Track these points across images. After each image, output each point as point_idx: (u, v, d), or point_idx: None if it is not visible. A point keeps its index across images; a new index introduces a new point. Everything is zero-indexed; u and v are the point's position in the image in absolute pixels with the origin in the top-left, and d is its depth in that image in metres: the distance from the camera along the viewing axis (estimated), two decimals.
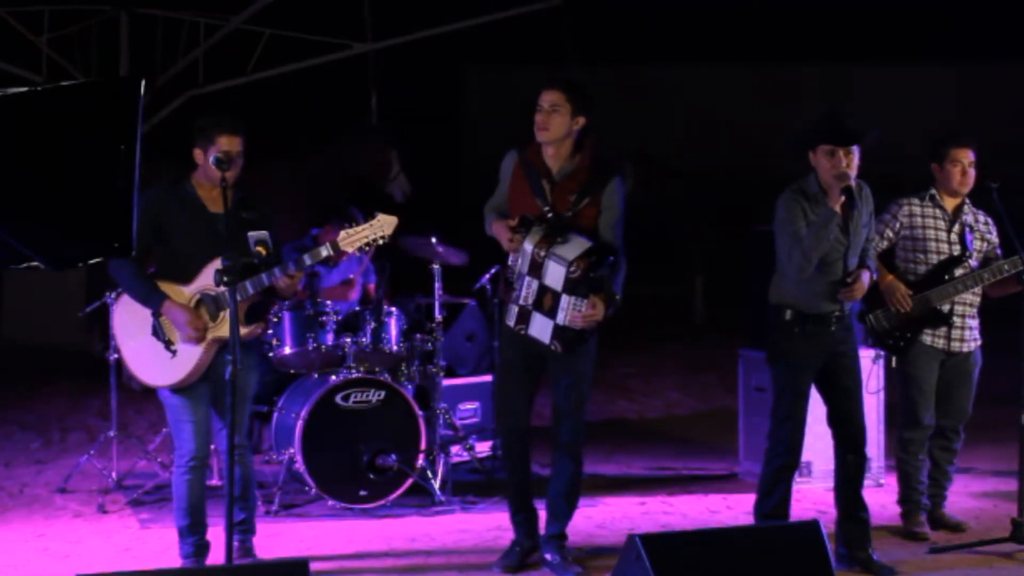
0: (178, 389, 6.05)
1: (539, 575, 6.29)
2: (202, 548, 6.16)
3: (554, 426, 6.35)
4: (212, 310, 6.00)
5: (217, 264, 5.76)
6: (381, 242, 6.08)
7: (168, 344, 6.03)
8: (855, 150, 6.19)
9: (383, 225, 6.04)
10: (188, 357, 6.01)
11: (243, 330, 5.88)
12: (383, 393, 7.43)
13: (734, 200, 14.33)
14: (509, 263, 6.21)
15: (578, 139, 6.13)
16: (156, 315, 6.03)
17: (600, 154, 6.18)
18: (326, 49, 14.19)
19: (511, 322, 6.18)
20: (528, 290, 6.10)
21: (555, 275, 6.00)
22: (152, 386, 6.18)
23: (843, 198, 6.13)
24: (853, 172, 6.17)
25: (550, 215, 6.10)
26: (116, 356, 6.37)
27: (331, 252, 6.03)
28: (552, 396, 6.35)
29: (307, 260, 5.96)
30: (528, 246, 6.05)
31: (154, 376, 6.11)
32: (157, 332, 6.04)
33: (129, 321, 6.17)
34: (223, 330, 5.92)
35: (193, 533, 6.14)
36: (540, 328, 6.11)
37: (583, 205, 6.10)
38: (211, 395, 6.11)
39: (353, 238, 6.03)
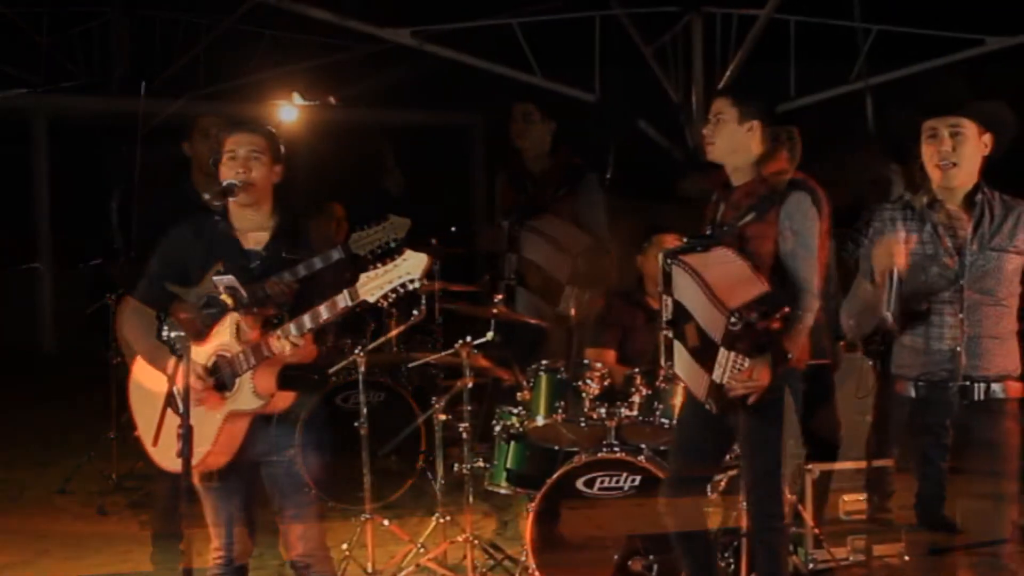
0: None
1: None
2: None
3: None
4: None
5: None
6: (393, 244, 5.56)
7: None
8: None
9: (395, 227, 5.54)
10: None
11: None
12: (383, 394, 7.43)
13: None
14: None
15: (553, 142, 6.84)
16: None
17: (573, 154, 6.85)
18: (327, 51, 14.19)
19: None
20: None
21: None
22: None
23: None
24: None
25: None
26: (118, 360, 6.07)
27: (343, 255, 5.55)
28: None
29: (316, 264, 5.64)
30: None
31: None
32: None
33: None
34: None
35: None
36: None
37: (561, 192, 6.69)
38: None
39: (364, 240, 5.54)
